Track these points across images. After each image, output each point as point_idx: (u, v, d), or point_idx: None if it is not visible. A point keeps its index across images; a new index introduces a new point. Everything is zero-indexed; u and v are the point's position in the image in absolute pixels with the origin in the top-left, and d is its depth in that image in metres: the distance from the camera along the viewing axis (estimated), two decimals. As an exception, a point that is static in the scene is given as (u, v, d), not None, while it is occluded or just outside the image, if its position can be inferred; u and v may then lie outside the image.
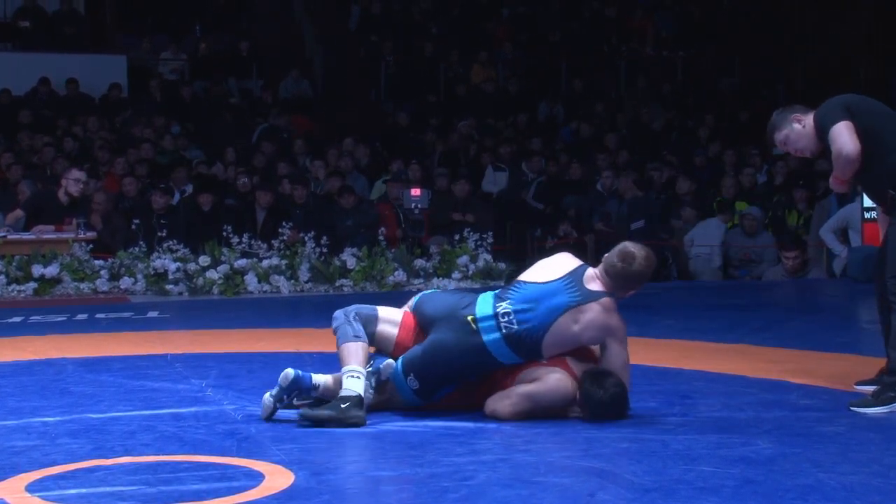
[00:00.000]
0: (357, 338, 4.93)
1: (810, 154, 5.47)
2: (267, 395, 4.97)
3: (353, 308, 5.11)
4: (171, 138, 14.77)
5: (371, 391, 4.99)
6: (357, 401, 4.78)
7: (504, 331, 4.84)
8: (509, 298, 4.91)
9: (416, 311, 5.11)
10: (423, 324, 5.05)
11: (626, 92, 17.90)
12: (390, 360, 5.03)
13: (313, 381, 5.02)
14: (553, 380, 4.87)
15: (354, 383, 4.83)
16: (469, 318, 4.89)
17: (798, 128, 5.30)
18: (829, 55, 17.86)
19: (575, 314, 4.81)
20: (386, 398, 5.05)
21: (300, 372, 5.00)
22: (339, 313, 5.05)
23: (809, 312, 9.31)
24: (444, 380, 4.95)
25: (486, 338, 4.85)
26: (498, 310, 4.88)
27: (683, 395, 5.44)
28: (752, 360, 6.47)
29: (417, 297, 5.18)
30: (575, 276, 4.90)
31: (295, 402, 5.01)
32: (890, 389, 5.06)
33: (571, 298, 4.83)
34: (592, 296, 4.83)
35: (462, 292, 5.20)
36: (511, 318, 4.85)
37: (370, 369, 4.99)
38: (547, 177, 14.16)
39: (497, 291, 5.05)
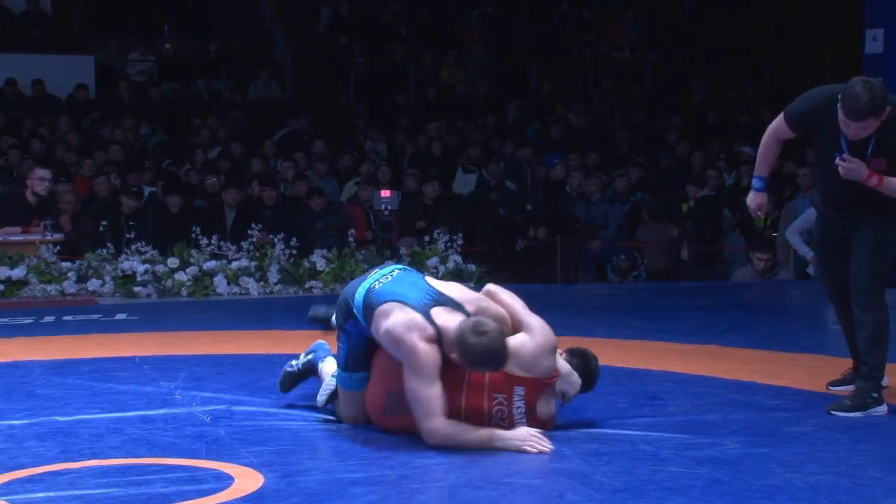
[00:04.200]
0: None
1: (850, 136, 5.03)
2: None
3: None
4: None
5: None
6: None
7: (365, 291, 4.59)
8: (395, 278, 4.63)
9: None
10: None
11: (595, 94, 17.94)
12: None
13: (318, 366, 5.18)
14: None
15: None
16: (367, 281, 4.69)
17: (882, 120, 4.99)
18: (796, 56, 17.96)
19: (389, 309, 4.47)
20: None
21: (324, 352, 5.19)
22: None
23: (778, 313, 9.35)
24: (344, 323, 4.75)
25: (356, 297, 4.64)
26: (378, 280, 4.64)
27: (652, 396, 5.46)
28: (721, 362, 6.50)
29: None
30: (445, 299, 4.51)
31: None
32: (867, 395, 5.09)
33: (407, 299, 4.47)
34: (418, 310, 4.44)
35: (413, 275, 4.77)
36: (377, 287, 4.58)
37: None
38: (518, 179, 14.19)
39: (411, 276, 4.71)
